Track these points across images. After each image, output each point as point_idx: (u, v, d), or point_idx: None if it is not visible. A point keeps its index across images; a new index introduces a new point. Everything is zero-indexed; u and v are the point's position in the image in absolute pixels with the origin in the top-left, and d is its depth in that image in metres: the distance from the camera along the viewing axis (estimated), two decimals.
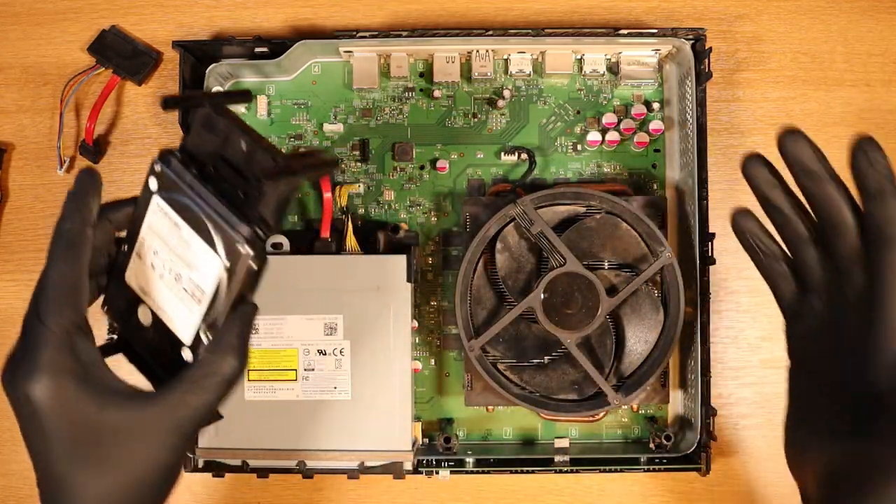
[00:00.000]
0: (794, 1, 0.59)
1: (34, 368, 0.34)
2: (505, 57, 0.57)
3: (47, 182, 0.59)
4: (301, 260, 0.54)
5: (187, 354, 0.36)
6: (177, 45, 0.55)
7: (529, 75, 0.57)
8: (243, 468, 0.54)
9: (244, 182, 0.35)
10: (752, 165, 0.41)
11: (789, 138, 0.39)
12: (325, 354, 0.53)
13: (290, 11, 0.60)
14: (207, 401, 0.35)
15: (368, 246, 0.55)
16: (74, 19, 0.60)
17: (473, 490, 0.58)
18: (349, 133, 0.58)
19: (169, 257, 0.36)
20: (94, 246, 0.37)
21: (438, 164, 0.57)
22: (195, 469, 0.54)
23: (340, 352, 0.53)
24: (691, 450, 0.54)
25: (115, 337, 0.41)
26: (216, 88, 0.54)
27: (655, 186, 0.57)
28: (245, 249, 0.34)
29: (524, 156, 0.56)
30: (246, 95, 0.39)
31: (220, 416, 0.37)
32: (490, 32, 0.55)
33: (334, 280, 0.53)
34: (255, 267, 0.34)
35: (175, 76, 0.57)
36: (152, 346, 0.38)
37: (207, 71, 0.55)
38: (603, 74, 0.57)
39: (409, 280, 0.53)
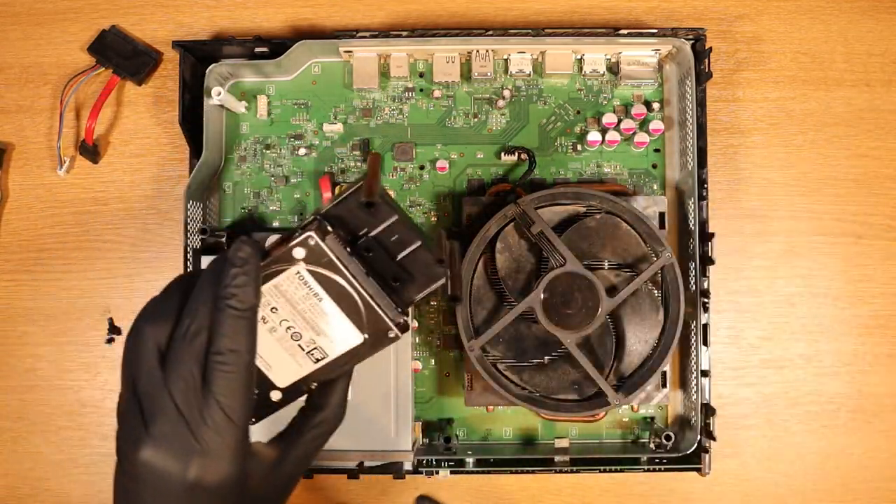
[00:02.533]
0: (794, 1, 0.59)
1: (220, 470, 0.34)
2: (505, 57, 0.57)
3: (47, 182, 0.59)
4: None
5: (276, 396, 0.40)
6: (177, 45, 0.55)
7: (529, 75, 0.57)
8: None
9: (397, 268, 0.40)
10: None
11: None
12: None
13: (290, 11, 0.60)
14: (321, 445, 0.41)
15: None
16: (74, 19, 0.60)
17: (473, 490, 0.58)
18: (349, 133, 0.58)
19: (291, 317, 0.38)
20: None
21: (438, 164, 0.57)
22: None
23: None
24: (691, 450, 0.54)
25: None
26: (216, 89, 0.54)
27: (655, 186, 0.57)
28: (395, 333, 0.39)
29: (524, 156, 0.56)
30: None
31: None
32: (490, 32, 0.55)
33: None
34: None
35: (175, 76, 0.57)
36: None
37: (207, 71, 0.55)
38: (603, 74, 0.57)
39: None
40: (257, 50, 0.56)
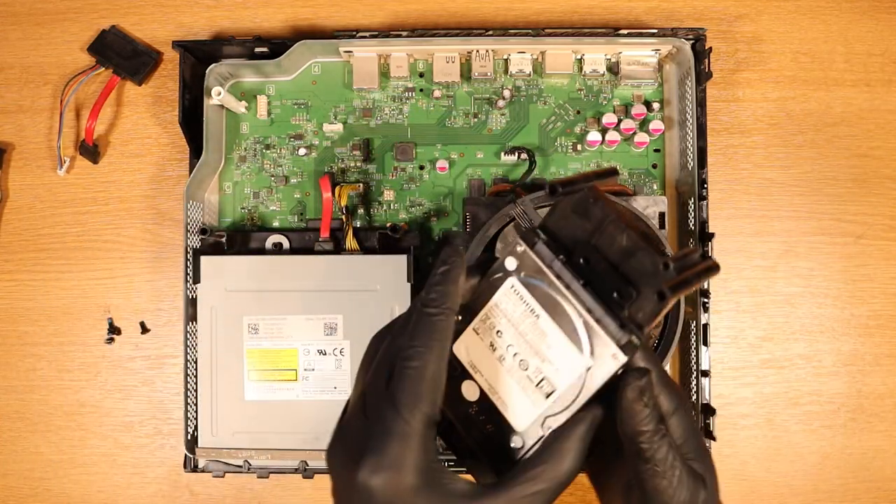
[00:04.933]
0: (794, 1, 0.59)
1: (384, 461, 0.31)
2: (505, 57, 0.57)
3: (47, 182, 0.59)
4: (301, 260, 0.54)
5: (517, 441, 0.35)
6: (177, 45, 0.55)
7: (529, 75, 0.57)
8: (244, 468, 0.54)
9: (619, 279, 0.33)
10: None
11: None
12: (326, 354, 0.53)
13: (290, 11, 0.60)
14: (536, 502, 0.33)
15: (368, 246, 0.55)
16: (74, 19, 0.60)
17: None
18: (349, 133, 0.58)
19: (516, 342, 0.35)
20: None
21: (438, 165, 0.57)
22: (195, 469, 0.54)
23: (340, 352, 0.53)
24: None
25: None
26: (216, 89, 0.54)
27: (655, 186, 0.57)
28: (619, 357, 0.32)
29: (524, 156, 0.56)
30: (613, 172, 0.37)
31: None
32: (490, 32, 0.55)
33: (334, 280, 0.53)
34: (620, 372, 0.33)
35: (175, 76, 0.57)
36: (471, 420, 0.36)
37: (207, 71, 0.55)
38: (603, 74, 0.57)
39: (409, 280, 0.53)
40: (257, 50, 0.56)
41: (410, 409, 0.32)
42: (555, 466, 0.33)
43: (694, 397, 0.54)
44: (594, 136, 0.56)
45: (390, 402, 0.32)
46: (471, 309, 0.36)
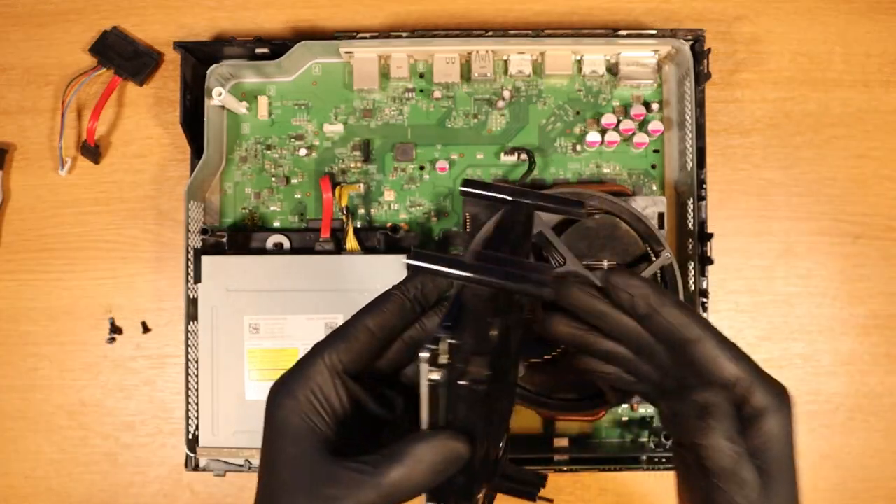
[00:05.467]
0: (793, 2, 0.59)
1: (284, 379, 0.34)
2: (505, 58, 0.57)
3: (49, 183, 0.60)
4: (301, 260, 0.54)
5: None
6: (178, 45, 0.55)
7: (529, 76, 0.57)
8: (245, 467, 0.54)
9: None
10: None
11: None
12: None
13: (291, 12, 0.60)
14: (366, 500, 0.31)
15: (369, 246, 0.55)
16: (76, 20, 0.60)
17: None
18: (349, 133, 0.58)
19: None
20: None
21: (438, 165, 0.57)
22: (196, 468, 0.55)
23: None
24: None
25: None
26: (217, 90, 0.55)
27: (655, 187, 0.58)
28: (422, 352, 0.28)
29: (524, 156, 0.57)
30: (578, 207, 0.39)
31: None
32: (490, 33, 0.55)
33: (334, 280, 0.53)
34: (435, 378, 0.28)
35: (176, 77, 0.57)
36: None
37: (208, 72, 0.55)
38: (602, 75, 0.57)
39: None
40: (258, 51, 0.56)
41: (319, 350, 0.35)
42: (373, 481, 0.31)
43: None
44: (594, 136, 0.56)
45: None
46: None
